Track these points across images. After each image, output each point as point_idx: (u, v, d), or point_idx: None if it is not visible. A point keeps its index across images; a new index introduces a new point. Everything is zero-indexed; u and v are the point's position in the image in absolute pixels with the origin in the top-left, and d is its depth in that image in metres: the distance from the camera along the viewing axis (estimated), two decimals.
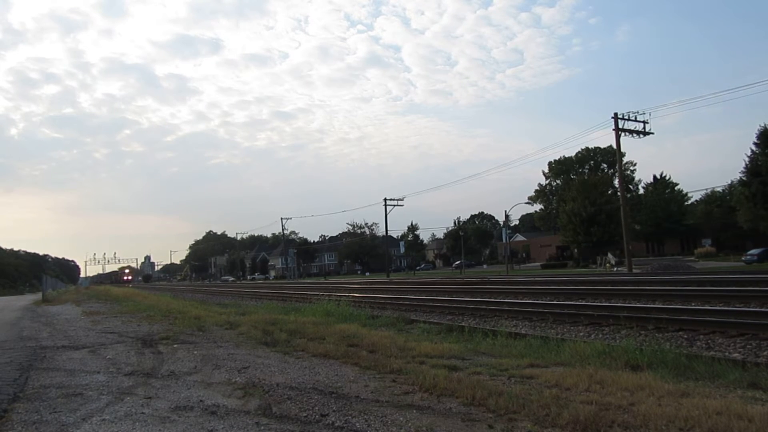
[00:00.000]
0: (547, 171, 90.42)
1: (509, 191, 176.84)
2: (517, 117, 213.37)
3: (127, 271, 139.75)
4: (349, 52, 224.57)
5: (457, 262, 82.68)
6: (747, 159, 46.99)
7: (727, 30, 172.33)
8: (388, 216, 70.35)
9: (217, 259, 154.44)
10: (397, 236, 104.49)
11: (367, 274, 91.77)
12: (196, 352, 9.02)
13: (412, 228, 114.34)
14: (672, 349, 7.33)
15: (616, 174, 58.19)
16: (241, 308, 19.81)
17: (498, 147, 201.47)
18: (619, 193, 49.45)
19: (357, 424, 4.53)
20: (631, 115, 39.74)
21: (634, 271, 37.34)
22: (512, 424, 4.36)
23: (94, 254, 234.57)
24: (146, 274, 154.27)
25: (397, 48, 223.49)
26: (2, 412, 5.39)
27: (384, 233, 78.60)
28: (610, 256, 52.65)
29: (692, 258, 55.61)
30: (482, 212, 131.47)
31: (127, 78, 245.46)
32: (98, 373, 7.42)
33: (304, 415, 4.89)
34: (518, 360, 7.13)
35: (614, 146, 42.37)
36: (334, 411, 4.96)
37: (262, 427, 4.56)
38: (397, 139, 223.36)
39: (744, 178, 47.70)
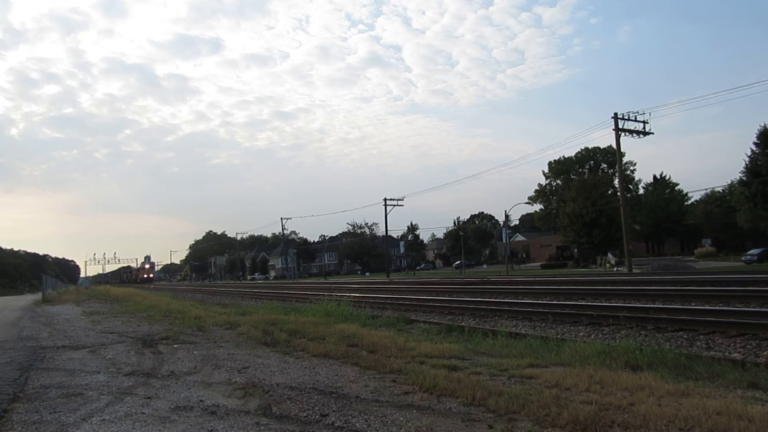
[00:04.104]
0: (547, 171, 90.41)
1: (509, 191, 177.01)
2: (517, 117, 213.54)
3: (147, 267, 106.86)
4: (350, 51, 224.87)
5: (457, 262, 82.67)
6: (747, 159, 47.07)
7: (727, 30, 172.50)
8: (388, 216, 70.38)
9: (217, 259, 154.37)
10: (397, 236, 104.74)
11: (367, 274, 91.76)
12: (196, 352, 9.02)
13: (412, 228, 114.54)
14: (672, 349, 7.33)
15: (616, 174, 58.18)
16: (241, 308, 19.81)
17: (498, 147, 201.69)
18: (619, 194, 49.44)
19: (357, 424, 4.53)
20: (631, 115, 39.78)
21: (634, 271, 37.34)
22: (512, 424, 4.37)
23: (94, 254, 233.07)
24: None
25: (397, 48, 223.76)
26: (2, 412, 5.39)
27: (384, 233, 78.60)
28: (610, 256, 52.66)
29: (692, 258, 55.60)
30: (482, 212, 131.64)
31: (127, 78, 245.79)
32: (98, 373, 7.42)
33: (304, 415, 4.89)
34: (518, 360, 7.13)
35: (614, 146, 42.39)
36: (334, 411, 4.96)
37: (262, 427, 4.57)
38: (397, 139, 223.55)
39: (744, 178, 47.74)
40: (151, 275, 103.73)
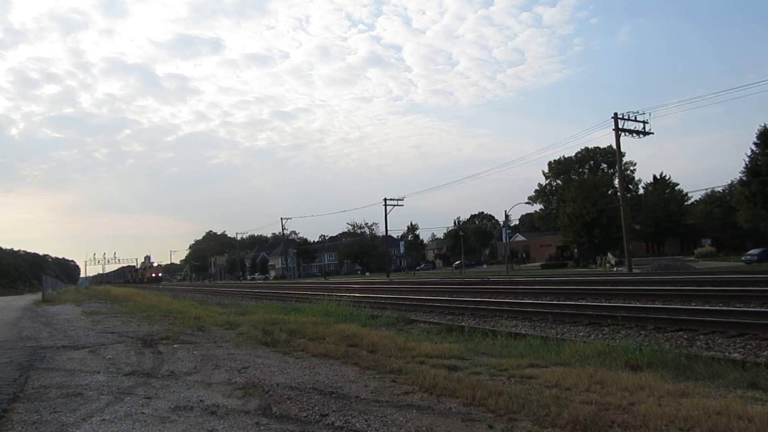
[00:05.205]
0: (547, 171, 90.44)
1: (509, 191, 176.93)
2: (517, 117, 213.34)
3: (155, 266, 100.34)
4: (350, 51, 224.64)
5: (457, 262, 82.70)
6: (747, 159, 47.04)
7: (727, 30, 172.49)
8: (388, 216, 70.40)
9: (217, 259, 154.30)
10: (397, 236, 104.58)
11: (367, 274, 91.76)
12: (196, 352, 9.02)
13: (412, 228, 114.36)
14: (672, 349, 7.33)
15: (616, 174, 58.17)
16: (241, 308, 19.81)
17: (498, 147, 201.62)
18: (619, 194, 49.44)
19: (357, 424, 4.53)
20: (631, 115, 39.77)
21: (634, 271, 37.33)
22: (512, 424, 4.36)
23: (94, 254, 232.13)
24: None
25: (398, 48, 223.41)
26: (2, 412, 5.39)
27: (384, 233, 78.60)
28: (609, 256, 52.65)
29: (692, 258, 55.60)
30: (482, 212, 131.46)
31: (127, 78, 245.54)
32: (98, 373, 7.42)
33: (304, 415, 4.89)
34: (518, 360, 7.13)
35: (614, 146, 42.38)
36: (334, 411, 4.96)
37: (262, 427, 4.57)
38: (397, 139, 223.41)
39: (744, 178, 47.69)
40: (160, 274, 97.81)
